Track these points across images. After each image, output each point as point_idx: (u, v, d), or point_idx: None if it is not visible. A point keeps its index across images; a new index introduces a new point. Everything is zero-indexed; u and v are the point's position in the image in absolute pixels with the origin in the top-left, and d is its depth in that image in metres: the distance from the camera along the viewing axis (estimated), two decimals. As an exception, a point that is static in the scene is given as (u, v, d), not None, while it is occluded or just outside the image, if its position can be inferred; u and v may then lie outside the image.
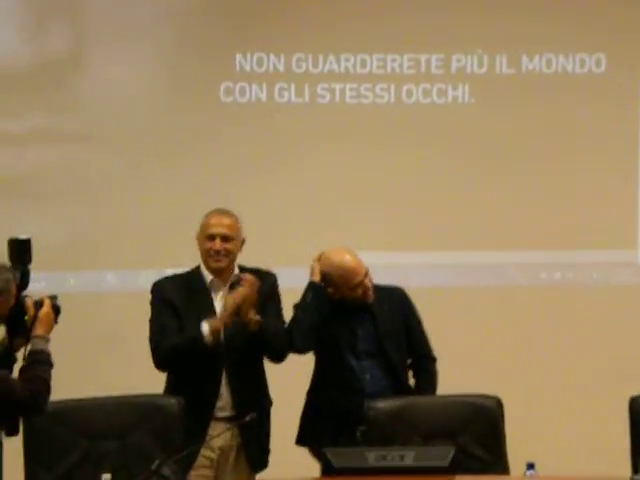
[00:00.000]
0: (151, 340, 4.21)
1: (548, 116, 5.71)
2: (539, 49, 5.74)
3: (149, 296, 5.33)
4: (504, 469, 4.04)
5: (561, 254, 5.75)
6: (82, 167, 5.62)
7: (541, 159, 5.73)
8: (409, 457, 3.64)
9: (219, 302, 4.22)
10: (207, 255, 4.22)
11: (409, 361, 4.43)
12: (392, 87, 5.73)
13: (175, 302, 4.21)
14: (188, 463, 3.94)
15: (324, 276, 4.36)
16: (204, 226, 4.25)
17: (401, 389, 4.34)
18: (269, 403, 4.30)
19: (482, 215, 5.70)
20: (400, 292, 4.47)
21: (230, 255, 4.21)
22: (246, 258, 4.32)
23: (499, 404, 4.15)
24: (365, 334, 4.36)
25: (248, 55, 5.69)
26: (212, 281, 4.25)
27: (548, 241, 5.71)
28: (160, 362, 4.17)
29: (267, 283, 4.25)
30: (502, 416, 4.14)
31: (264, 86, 5.71)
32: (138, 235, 5.63)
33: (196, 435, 3.98)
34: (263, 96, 5.71)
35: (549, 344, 5.58)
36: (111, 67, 5.62)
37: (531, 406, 5.20)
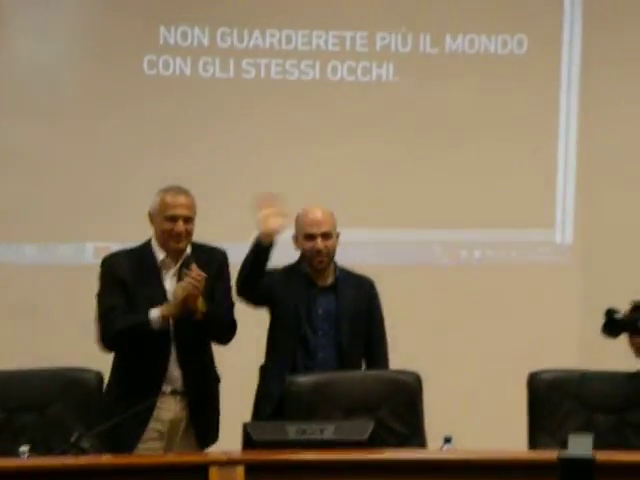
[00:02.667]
0: (99, 320, 4.18)
1: (470, 96, 5.77)
2: (462, 29, 5.79)
3: (68, 269, 5.30)
4: (421, 443, 4.09)
5: (481, 233, 5.83)
6: (1, 138, 5.53)
7: (463, 138, 5.78)
8: (329, 431, 3.66)
9: (169, 281, 4.21)
10: (167, 235, 4.16)
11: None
12: (317, 64, 5.74)
13: (125, 279, 4.17)
14: (136, 436, 4.07)
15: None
16: (163, 205, 4.17)
17: None
18: (217, 380, 4.34)
19: (404, 193, 5.74)
20: (370, 283, 4.48)
21: (189, 236, 4.20)
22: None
23: (418, 380, 4.19)
24: (326, 314, 4.37)
25: (172, 28, 5.64)
26: (163, 260, 4.21)
27: (468, 220, 5.78)
28: (107, 345, 4.17)
29: (216, 260, 4.26)
30: (421, 392, 4.19)
31: (188, 60, 5.67)
32: (58, 208, 5.56)
33: (145, 411, 4.02)
34: (187, 70, 5.67)
35: (468, 321, 5.66)
36: (33, 38, 5.53)
37: (450, 382, 5.26)
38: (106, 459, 3.53)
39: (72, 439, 3.44)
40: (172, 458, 3.90)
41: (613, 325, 3.98)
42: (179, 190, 4.22)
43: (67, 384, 3.89)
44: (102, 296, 4.20)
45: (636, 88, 5.81)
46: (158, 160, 5.57)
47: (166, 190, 4.23)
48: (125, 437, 3.99)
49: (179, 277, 4.20)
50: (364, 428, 3.66)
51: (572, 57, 5.86)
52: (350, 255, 5.53)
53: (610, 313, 3.99)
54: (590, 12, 5.86)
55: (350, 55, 5.75)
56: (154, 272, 4.20)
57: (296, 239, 4.40)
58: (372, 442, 3.63)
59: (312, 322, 4.37)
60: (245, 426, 3.74)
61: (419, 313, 5.61)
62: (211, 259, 4.24)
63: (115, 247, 5.06)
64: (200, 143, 5.67)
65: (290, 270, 4.43)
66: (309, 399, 4.08)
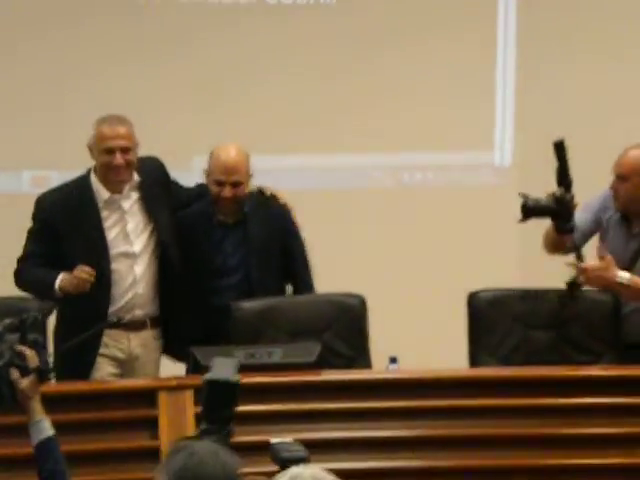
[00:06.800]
0: (17, 261, 4.12)
1: (406, 15, 5.72)
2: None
3: (3, 198, 5.20)
4: (367, 364, 4.15)
5: (422, 156, 5.84)
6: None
7: (400, 60, 5.75)
8: (277, 354, 3.71)
9: (120, 216, 4.11)
10: (106, 169, 4.04)
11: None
12: (254, -13, 5.67)
13: (58, 226, 4.05)
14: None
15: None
16: (100, 138, 4.03)
17: None
18: None
19: (344, 117, 5.72)
20: (282, 216, 4.32)
21: (130, 167, 4.07)
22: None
23: (362, 302, 4.23)
24: (235, 250, 4.28)
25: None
26: (110, 198, 4.09)
27: (409, 143, 5.79)
28: (18, 288, 4.13)
29: (156, 168, 4.24)
30: (365, 314, 4.23)
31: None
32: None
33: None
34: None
35: (410, 243, 5.70)
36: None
37: (393, 303, 5.32)
38: (54, 386, 3.54)
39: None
40: (120, 384, 3.91)
41: (524, 210, 4.06)
42: (117, 119, 4.08)
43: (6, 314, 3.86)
44: (27, 239, 4.12)
45: (576, 3, 5.82)
46: (95, 87, 5.47)
47: (103, 120, 4.09)
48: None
49: (144, 205, 4.14)
50: (312, 350, 3.71)
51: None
52: (291, 180, 5.56)
53: (523, 197, 4.06)
54: None
55: (288, -22, 5.69)
56: (92, 214, 4.08)
57: (207, 175, 4.26)
58: (319, 363, 3.69)
59: (223, 262, 4.25)
60: (192, 351, 3.77)
61: (361, 236, 5.63)
62: (152, 168, 4.20)
63: (54, 176, 5.03)
64: (136, 70, 5.58)
65: (198, 211, 4.29)
66: (254, 324, 4.10)
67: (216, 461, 2.22)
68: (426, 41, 5.76)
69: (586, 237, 4.27)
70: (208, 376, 2.74)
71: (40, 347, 2.93)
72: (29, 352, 2.88)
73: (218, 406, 2.71)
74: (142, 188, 4.14)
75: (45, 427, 2.86)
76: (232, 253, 4.28)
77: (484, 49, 5.82)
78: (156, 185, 4.19)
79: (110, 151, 4.04)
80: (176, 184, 4.35)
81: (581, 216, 4.20)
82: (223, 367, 2.78)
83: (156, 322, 4.19)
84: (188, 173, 5.44)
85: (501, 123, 5.87)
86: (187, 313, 4.21)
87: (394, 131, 5.75)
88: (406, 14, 5.74)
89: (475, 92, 5.82)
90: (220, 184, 4.19)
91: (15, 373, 2.85)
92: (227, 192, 4.18)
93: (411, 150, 5.78)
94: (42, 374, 2.89)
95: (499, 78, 5.87)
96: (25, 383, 2.85)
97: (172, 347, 4.23)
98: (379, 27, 5.73)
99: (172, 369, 4.24)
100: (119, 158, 4.03)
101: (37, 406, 2.87)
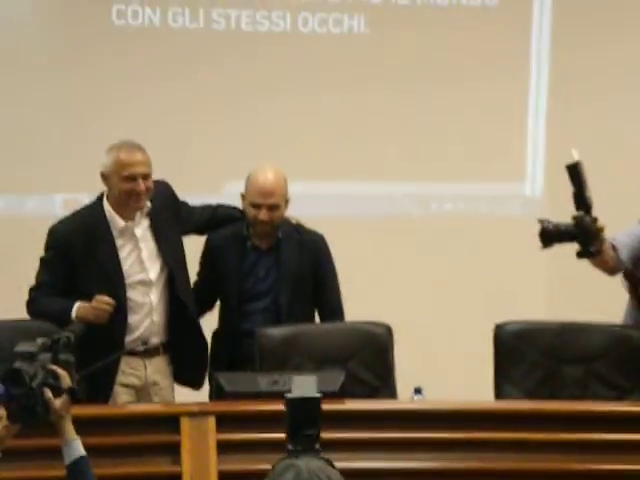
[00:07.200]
0: (30, 290, 4.11)
1: (442, 48, 5.75)
2: (435, -20, 5.76)
3: (36, 221, 5.25)
4: (392, 394, 4.12)
5: (452, 186, 5.84)
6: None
7: (433, 91, 5.77)
8: (300, 382, 3.67)
9: (135, 243, 4.09)
10: (127, 196, 4.00)
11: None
12: (288, 15, 5.69)
13: (72, 255, 4.03)
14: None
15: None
16: (119, 165, 3.98)
17: None
18: None
19: (374, 146, 5.74)
20: (316, 243, 4.31)
21: (149, 193, 4.03)
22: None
23: (388, 331, 4.21)
24: (266, 275, 4.27)
25: (141, -23, 5.57)
26: (125, 226, 4.06)
27: (439, 172, 5.79)
28: (32, 317, 4.10)
29: (164, 192, 4.19)
30: (391, 343, 4.21)
31: (157, 10, 5.61)
32: (26, 159, 5.52)
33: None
34: (156, 20, 5.61)
35: (439, 273, 5.68)
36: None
37: (420, 333, 5.29)
38: (77, 410, 3.53)
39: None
40: (142, 409, 3.91)
41: (544, 235, 4.01)
42: (133, 146, 4.05)
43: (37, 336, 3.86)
44: (40, 267, 4.08)
45: (607, 37, 5.80)
46: (126, 111, 5.52)
47: (119, 147, 4.04)
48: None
49: (155, 232, 4.12)
50: (335, 379, 3.69)
51: (543, 9, 5.85)
52: (320, 207, 5.56)
53: (542, 223, 4.01)
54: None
55: (321, 7, 5.71)
56: (108, 243, 4.05)
57: (243, 198, 4.25)
58: (343, 393, 3.67)
59: (252, 286, 4.25)
60: (216, 377, 3.76)
61: (388, 264, 5.63)
62: (161, 193, 4.16)
63: (85, 199, 5.06)
64: (168, 94, 5.62)
65: (232, 234, 4.29)
66: (280, 351, 4.09)
67: (323, 478, 2.20)
68: (459, 72, 5.77)
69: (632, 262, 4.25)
70: (290, 395, 2.71)
71: (72, 367, 2.92)
72: (62, 372, 2.87)
73: (302, 425, 2.67)
74: (153, 214, 4.12)
75: (77, 447, 2.85)
76: (263, 278, 4.28)
77: (516, 80, 5.83)
78: (166, 210, 4.17)
79: (132, 178, 4.00)
80: (186, 205, 4.32)
81: (627, 243, 4.18)
82: (303, 385, 2.76)
83: (167, 348, 4.18)
84: (220, 198, 5.50)
85: (532, 154, 5.86)
86: (197, 339, 4.20)
87: (426, 161, 5.76)
88: (439, 45, 5.76)
89: (507, 122, 5.82)
90: (256, 207, 4.18)
91: (48, 393, 2.84)
92: (263, 215, 4.17)
93: (442, 180, 5.77)
94: (74, 394, 2.88)
95: (531, 108, 5.86)
96: (58, 403, 2.85)
97: (182, 373, 4.22)
98: (412, 58, 5.75)
99: (189, 395, 4.24)
100: (141, 185, 4.00)
101: (69, 426, 2.87)
